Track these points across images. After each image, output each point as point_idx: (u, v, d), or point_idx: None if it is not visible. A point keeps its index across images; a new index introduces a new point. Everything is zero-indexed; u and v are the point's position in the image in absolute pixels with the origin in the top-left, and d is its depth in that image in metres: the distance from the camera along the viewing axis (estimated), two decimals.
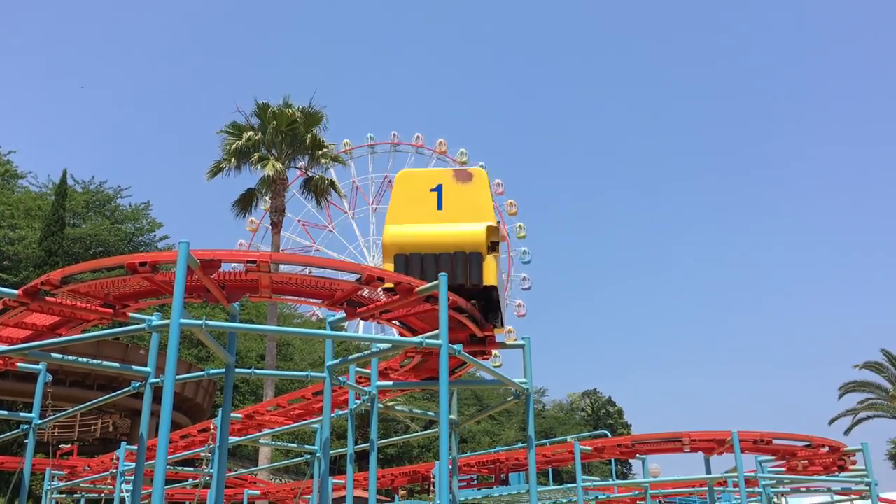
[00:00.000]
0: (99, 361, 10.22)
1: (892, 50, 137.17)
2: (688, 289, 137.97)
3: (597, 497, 19.84)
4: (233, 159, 29.63)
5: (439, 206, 9.21)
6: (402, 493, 26.42)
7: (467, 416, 23.10)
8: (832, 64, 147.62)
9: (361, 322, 41.93)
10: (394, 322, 8.90)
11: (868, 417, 46.64)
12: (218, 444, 8.67)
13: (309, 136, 30.05)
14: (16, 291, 7.51)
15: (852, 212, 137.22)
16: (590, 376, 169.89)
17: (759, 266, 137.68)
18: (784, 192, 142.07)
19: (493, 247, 8.93)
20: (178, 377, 7.70)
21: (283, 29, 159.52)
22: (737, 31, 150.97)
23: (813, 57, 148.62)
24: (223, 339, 8.84)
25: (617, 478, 32.32)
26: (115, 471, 16.89)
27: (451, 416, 11.01)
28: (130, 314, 8.15)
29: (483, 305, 9.02)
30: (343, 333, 9.97)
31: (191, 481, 20.22)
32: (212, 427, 12.76)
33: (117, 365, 10.96)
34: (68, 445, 25.05)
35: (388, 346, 9.07)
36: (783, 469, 16.79)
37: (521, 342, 10.00)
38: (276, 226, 30.73)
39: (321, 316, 48.00)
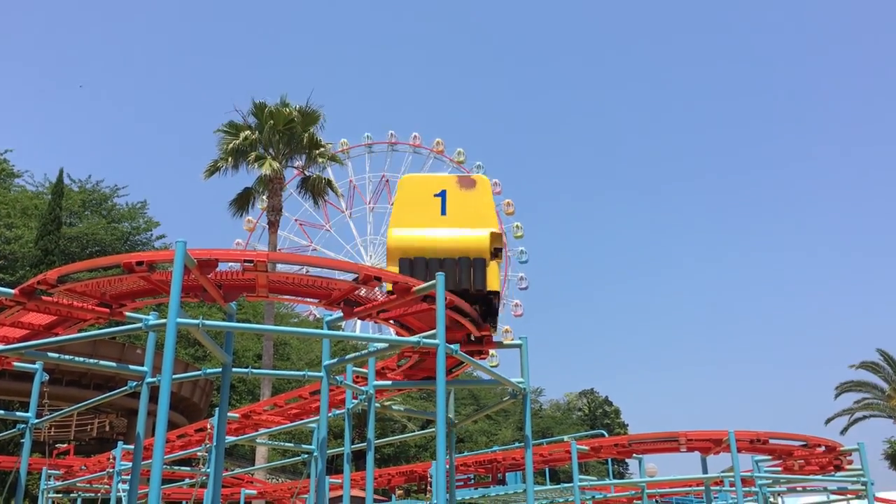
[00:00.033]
0: (95, 361, 10.22)
1: (892, 50, 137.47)
2: (685, 289, 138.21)
3: (593, 497, 19.85)
4: (230, 158, 29.61)
5: (443, 212, 9.33)
6: (399, 492, 26.45)
7: (464, 415, 23.13)
8: (831, 64, 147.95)
9: (359, 322, 41.97)
10: (391, 322, 8.90)
11: (864, 417, 46.72)
12: (215, 444, 8.67)
13: (306, 135, 30.05)
14: (12, 291, 7.49)
15: (850, 212, 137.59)
16: (587, 376, 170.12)
17: (757, 266, 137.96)
18: (783, 193, 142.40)
19: (495, 253, 9.08)
20: (174, 377, 7.69)
21: (281, 28, 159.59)
22: (737, 30, 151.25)
23: (813, 57, 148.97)
24: (220, 338, 8.83)
25: (614, 477, 32.31)
26: (111, 470, 16.87)
27: (449, 416, 11.01)
28: (127, 313, 8.14)
29: (483, 310, 9.11)
30: (340, 333, 10.03)
31: (188, 481, 20.21)
32: (209, 426, 12.77)
33: (114, 364, 10.94)
34: (65, 445, 25.02)
35: (386, 345, 9.07)
36: (780, 469, 16.82)
37: (519, 342, 10.02)
38: (273, 225, 30.71)
39: (318, 315, 48.04)
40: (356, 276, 7.67)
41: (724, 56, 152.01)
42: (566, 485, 19.43)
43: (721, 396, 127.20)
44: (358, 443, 15.53)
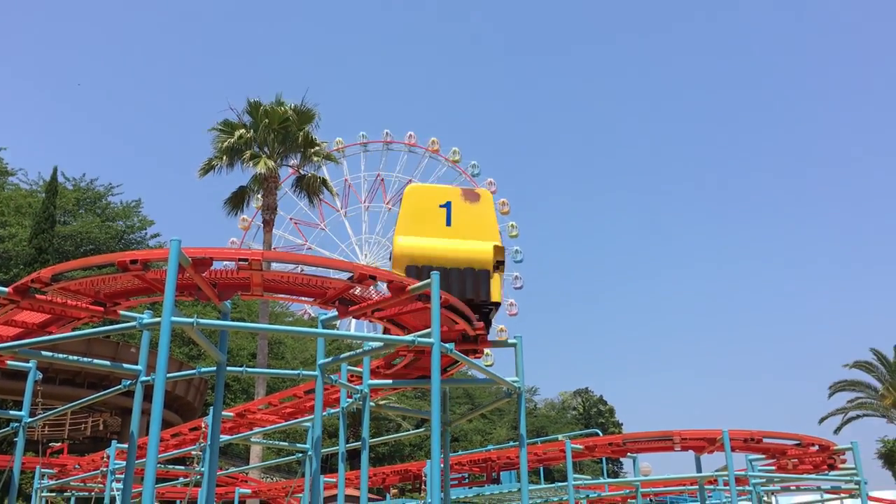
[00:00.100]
0: (89, 359, 10.17)
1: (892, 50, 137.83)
2: (680, 288, 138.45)
3: (588, 496, 19.89)
4: (224, 157, 29.57)
5: (448, 223, 9.55)
6: (393, 491, 26.47)
7: (459, 414, 23.12)
8: (831, 64, 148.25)
9: (353, 320, 41.93)
10: (385, 320, 8.90)
11: (858, 416, 46.90)
12: (209, 443, 8.66)
13: (301, 134, 30.02)
14: (6, 289, 7.47)
15: (846, 212, 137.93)
16: (581, 375, 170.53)
17: (752, 266, 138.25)
18: (778, 193, 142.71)
19: (497, 266, 9.37)
20: (169, 375, 7.67)
21: (277, 27, 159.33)
22: (738, 32, 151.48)
23: (812, 58, 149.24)
24: (214, 337, 8.82)
25: (608, 476, 32.44)
26: (105, 469, 16.83)
27: (443, 415, 11.01)
28: (121, 312, 8.11)
29: (480, 319, 9.26)
30: (335, 332, 10.02)
31: (182, 480, 20.18)
32: (203, 425, 12.73)
33: (108, 363, 10.90)
34: (58, 444, 24.98)
35: (380, 344, 9.07)
36: (773, 468, 16.87)
37: (513, 341, 10.04)
38: (268, 224, 30.68)
39: (313, 314, 48.00)
40: (351, 274, 7.67)
41: (725, 57, 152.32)
42: (560, 484, 19.45)
43: (715, 396, 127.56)
44: (352, 442, 15.50)
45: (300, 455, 15.62)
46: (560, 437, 24.19)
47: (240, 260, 7.29)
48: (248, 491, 22.69)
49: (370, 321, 9.12)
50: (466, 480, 23.70)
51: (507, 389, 9.95)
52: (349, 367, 10.70)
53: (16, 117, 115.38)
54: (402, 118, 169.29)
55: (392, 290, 7.90)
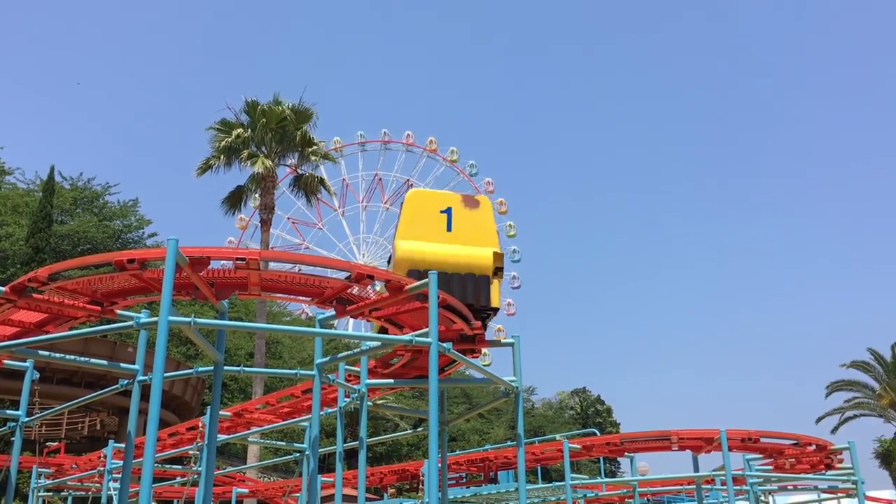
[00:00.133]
0: (86, 359, 10.16)
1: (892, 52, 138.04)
2: (677, 288, 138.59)
3: (585, 495, 19.90)
4: (222, 156, 29.54)
5: (448, 228, 9.68)
6: (391, 491, 26.42)
7: (456, 414, 23.13)
8: (830, 65, 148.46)
9: (351, 320, 41.91)
10: (383, 320, 8.90)
11: (855, 416, 46.93)
12: (206, 442, 8.65)
13: (299, 133, 30.00)
14: (2, 288, 7.46)
15: (844, 213, 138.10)
16: (579, 375, 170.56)
17: (749, 266, 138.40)
18: (776, 194, 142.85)
19: (496, 272, 9.53)
20: (166, 375, 7.68)
21: (275, 27, 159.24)
22: (738, 34, 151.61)
23: (811, 58, 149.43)
24: (212, 336, 8.82)
25: (605, 476, 32.45)
26: (102, 469, 16.81)
27: (441, 415, 11.02)
28: (118, 311, 8.10)
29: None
30: (332, 331, 10.02)
31: (179, 479, 20.16)
32: (200, 425, 12.72)
33: (105, 362, 10.90)
34: (55, 443, 24.92)
35: (378, 343, 9.07)
36: (771, 467, 16.88)
37: (511, 340, 10.05)
38: (266, 223, 30.66)
39: (310, 314, 47.94)
40: (349, 274, 7.66)
41: (724, 56, 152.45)
42: (558, 483, 19.48)
43: (712, 395, 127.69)
44: (350, 441, 15.53)
45: (298, 455, 15.63)
46: (558, 436, 24.21)
47: (237, 259, 7.28)
48: (246, 490, 22.68)
49: (368, 321, 9.12)
50: (464, 480, 23.71)
51: (504, 389, 9.95)
52: (347, 367, 10.70)
53: (13, 116, 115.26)
54: (400, 118, 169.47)
55: (390, 290, 7.89)
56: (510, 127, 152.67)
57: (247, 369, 12.34)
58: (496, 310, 9.44)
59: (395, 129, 61.03)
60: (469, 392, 66.13)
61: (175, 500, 23.30)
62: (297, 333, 16.02)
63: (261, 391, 27.86)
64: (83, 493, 21.37)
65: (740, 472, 15.89)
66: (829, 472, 16.42)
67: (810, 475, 16.48)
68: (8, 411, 11.80)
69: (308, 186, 31.53)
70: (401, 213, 10.00)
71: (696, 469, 15.83)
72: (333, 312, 8.55)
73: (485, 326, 9.50)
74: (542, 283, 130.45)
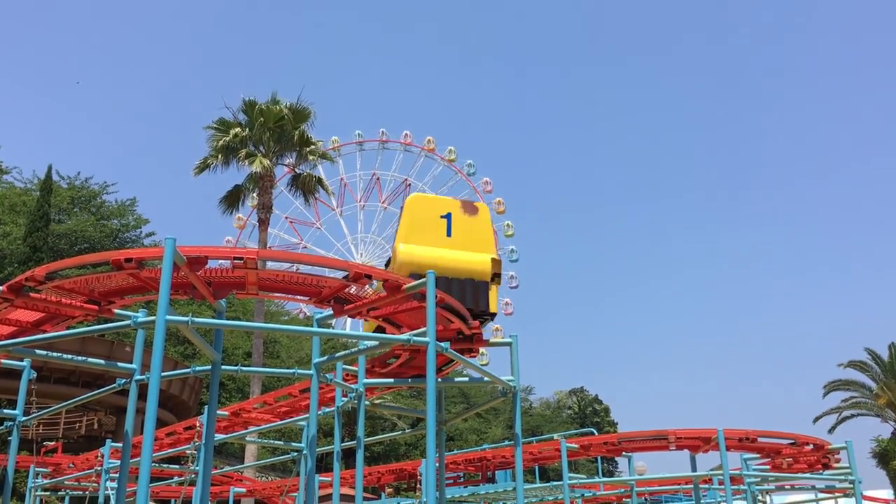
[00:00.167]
0: (84, 358, 10.16)
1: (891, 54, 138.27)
2: (676, 288, 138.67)
3: (583, 495, 19.91)
4: (220, 156, 29.52)
5: (448, 233, 9.90)
6: (388, 490, 26.44)
7: (454, 413, 23.13)
8: (827, 67, 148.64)
9: (349, 319, 41.91)
10: (381, 319, 8.90)
11: (852, 416, 46.95)
12: (204, 442, 8.64)
13: (297, 132, 29.98)
14: (0, 287, 7.45)
15: (840, 212, 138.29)
16: (577, 374, 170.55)
17: (747, 266, 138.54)
18: (774, 194, 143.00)
19: (494, 278, 9.79)
20: (163, 374, 7.66)
21: (272, 26, 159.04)
22: (736, 38, 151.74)
23: (811, 64, 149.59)
24: (209, 336, 8.81)
25: (603, 475, 32.44)
26: (99, 468, 16.78)
27: (438, 414, 11.03)
28: (116, 311, 8.10)
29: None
30: (330, 331, 10.05)
31: (176, 479, 20.14)
32: (198, 424, 12.72)
33: (102, 362, 10.89)
34: (53, 443, 24.90)
35: (376, 343, 9.07)
36: (768, 467, 16.90)
37: (509, 340, 10.07)
38: (264, 223, 30.62)
39: (308, 313, 47.95)
40: (346, 273, 7.66)
41: (724, 63, 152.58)
42: (556, 483, 19.48)
43: (710, 395, 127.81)
44: (347, 441, 15.51)
45: (295, 454, 15.62)
46: (555, 436, 24.22)
47: (235, 258, 7.28)
48: (243, 490, 22.68)
49: (366, 320, 9.13)
50: (462, 479, 23.71)
51: (502, 388, 9.96)
52: (344, 366, 10.70)
53: (11, 115, 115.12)
54: (398, 117, 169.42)
55: (388, 289, 7.89)
56: (509, 126, 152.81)
57: (244, 369, 12.34)
58: (493, 315, 9.67)
59: (393, 129, 61.09)
60: (467, 391, 66.13)
61: (172, 500, 23.28)
62: (295, 333, 16.04)
63: (258, 390, 27.83)
64: (80, 492, 21.35)
65: (738, 472, 15.90)
66: (827, 472, 16.44)
67: (808, 475, 16.50)
68: (5, 410, 11.79)
69: (306, 186, 31.51)
70: (401, 217, 10.19)
71: (694, 468, 15.84)
72: (331, 312, 8.55)
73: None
74: (539, 283, 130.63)
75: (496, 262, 9.85)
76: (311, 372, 9.53)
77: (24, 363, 11.02)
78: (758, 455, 16.15)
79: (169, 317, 6.78)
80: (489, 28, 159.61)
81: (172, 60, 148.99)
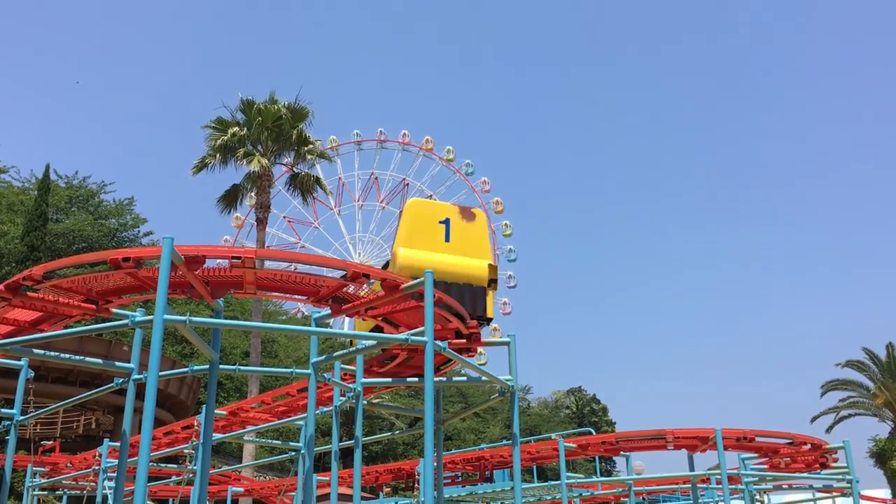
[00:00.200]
0: (81, 357, 10.15)
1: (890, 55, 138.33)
2: (674, 288, 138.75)
3: (581, 494, 19.91)
4: (218, 155, 29.51)
5: (447, 239, 10.14)
6: (386, 490, 26.41)
7: (452, 413, 23.13)
8: (827, 67, 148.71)
9: (347, 319, 41.88)
10: (379, 319, 8.89)
11: (850, 415, 46.99)
12: (202, 441, 8.63)
13: (295, 132, 29.98)
14: None
15: (840, 212, 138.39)
16: (574, 374, 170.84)
17: (744, 266, 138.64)
18: (771, 194, 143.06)
19: (490, 283, 10.07)
20: (161, 374, 7.65)
21: (271, 25, 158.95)
22: (735, 36, 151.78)
23: (808, 61, 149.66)
24: (207, 335, 8.80)
25: (601, 475, 32.44)
26: (97, 468, 16.76)
27: (436, 414, 11.02)
28: (113, 310, 8.08)
29: None
30: (328, 330, 10.05)
31: (174, 478, 20.12)
32: (195, 424, 12.69)
33: (100, 361, 10.87)
34: (50, 442, 24.87)
35: (374, 342, 9.07)
36: (766, 466, 16.91)
37: (507, 339, 10.06)
38: (262, 222, 30.62)
39: (306, 312, 47.90)
40: (344, 272, 7.65)
41: (724, 63, 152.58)
42: (554, 482, 19.48)
43: (708, 395, 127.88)
44: (345, 440, 15.52)
45: (293, 453, 15.62)
46: (553, 435, 24.22)
47: (233, 258, 7.27)
48: (241, 489, 22.66)
49: (363, 319, 9.13)
50: (460, 479, 23.72)
51: (500, 388, 9.95)
52: (342, 366, 10.69)
53: (8, 114, 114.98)
54: (397, 117, 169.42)
55: (385, 289, 7.88)
56: (507, 126, 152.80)
57: (242, 368, 12.31)
58: (490, 320, 9.99)
59: (392, 128, 60.95)
60: (465, 391, 66.14)
61: (170, 500, 23.28)
62: (293, 332, 16.04)
63: (256, 390, 27.83)
64: (78, 491, 21.34)
65: (736, 472, 15.90)
66: (824, 472, 16.46)
67: (805, 474, 16.52)
68: (3, 410, 11.77)
69: (304, 185, 31.51)
70: (401, 221, 10.43)
71: (692, 468, 15.84)
72: (329, 311, 8.55)
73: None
74: (538, 283, 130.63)
75: (493, 268, 10.07)
76: (309, 371, 9.52)
77: (21, 362, 11.00)
78: (756, 455, 16.17)
79: (167, 316, 6.78)
80: (488, 28, 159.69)
81: (171, 60, 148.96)
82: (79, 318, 8.42)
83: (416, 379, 10.34)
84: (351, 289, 8.05)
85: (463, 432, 61.61)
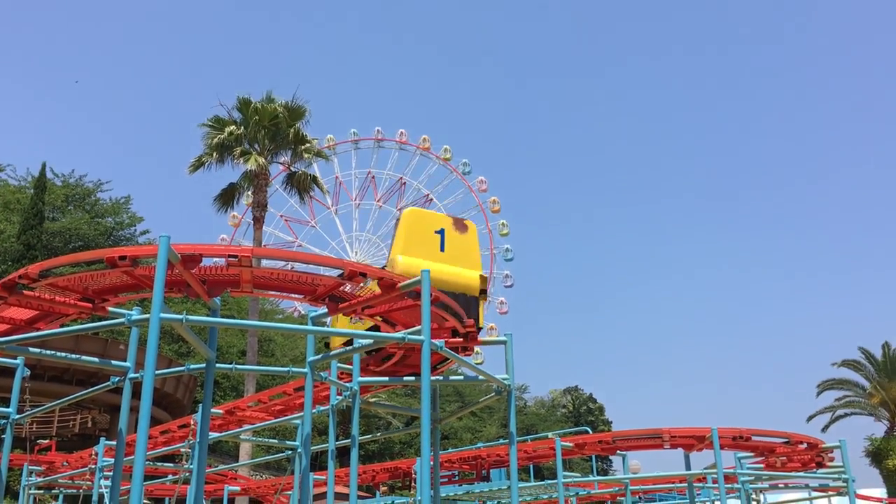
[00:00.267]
0: (78, 356, 10.13)
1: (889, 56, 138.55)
2: (670, 288, 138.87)
3: (577, 493, 19.93)
4: (214, 154, 29.50)
5: (442, 248, 10.35)
6: (383, 489, 26.44)
7: (449, 412, 23.14)
8: (827, 67, 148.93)
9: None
10: (376, 318, 8.89)
11: (846, 415, 47.11)
12: (198, 440, 8.62)
13: (292, 130, 29.96)
14: None
15: (834, 212, 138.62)
16: (571, 373, 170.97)
17: (740, 265, 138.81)
18: (771, 194, 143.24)
19: (481, 293, 10.24)
20: (157, 372, 7.63)
21: (268, 24, 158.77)
22: (735, 38, 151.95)
23: (809, 62, 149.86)
24: (204, 334, 8.78)
25: (597, 474, 32.50)
26: (93, 466, 16.75)
27: (433, 413, 11.03)
28: (110, 308, 8.07)
29: None
30: (325, 329, 10.03)
31: (170, 477, 20.10)
32: (192, 423, 12.68)
33: (96, 360, 10.88)
34: (46, 441, 24.84)
35: (370, 341, 9.06)
36: (762, 465, 16.93)
37: (503, 339, 10.10)
38: (259, 221, 30.61)
39: (303, 311, 47.88)
40: (341, 271, 7.65)
41: (724, 63, 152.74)
42: (550, 481, 19.50)
43: (704, 394, 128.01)
44: (342, 439, 15.50)
45: (290, 452, 15.59)
46: (550, 434, 24.23)
47: (229, 256, 7.26)
48: (238, 488, 22.63)
49: (360, 318, 9.13)
50: (456, 478, 23.71)
51: (497, 387, 9.96)
52: (339, 365, 10.68)
53: (5, 113, 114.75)
54: (394, 116, 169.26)
55: (382, 287, 7.88)
56: (505, 126, 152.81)
57: (239, 367, 12.27)
58: (481, 329, 10.05)
59: (389, 127, 60.97)
60: (461, 390, 66.16)
61: (167, 498, 23.25)
62: (290, 331, 16.05)
63: (253, 389, 27.83)
64: (74, 490, 21.32)
65: (732, 471, 15.93)
66: (820, 471, 16.48)
67: (801, 473, 16.55)
68: None
69: (301, 184, 31.50)
70: (398, 230, 10.54)
71: (688, 467, 15.86)
72: (326, 310, 8.54)
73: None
74: (535, 282, 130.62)
75: (483, 279, 10.36)
76: (305, 370, 9.52)
77: (17, 361, 10.98)
78: (752, 454, 16.18)
79: (163, 315, 6.76)
80: (486, 28, 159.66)
81: (168, 59, 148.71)
82: (75, 316, 8.40)
83: (412, 378, 10.36)
84: (348, 287, 8.05)
85: (460, 431, 61.68)
